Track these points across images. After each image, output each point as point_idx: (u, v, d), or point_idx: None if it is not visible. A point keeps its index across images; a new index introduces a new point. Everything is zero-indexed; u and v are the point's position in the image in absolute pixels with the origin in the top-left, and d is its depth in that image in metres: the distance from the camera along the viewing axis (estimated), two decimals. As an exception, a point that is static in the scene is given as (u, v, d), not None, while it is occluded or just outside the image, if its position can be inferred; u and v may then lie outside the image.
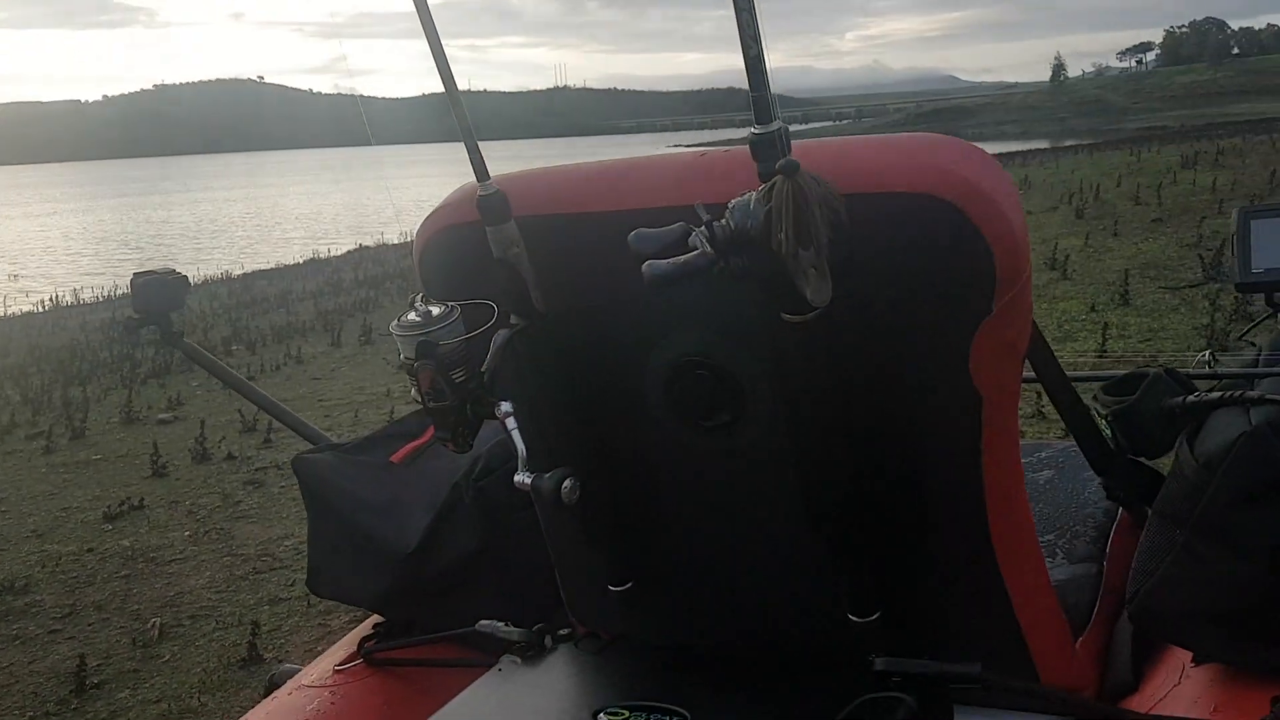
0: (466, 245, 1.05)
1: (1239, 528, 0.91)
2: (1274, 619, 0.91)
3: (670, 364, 1.02)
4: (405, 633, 1.32)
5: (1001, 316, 0.85)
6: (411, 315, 0.99)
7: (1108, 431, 1.15)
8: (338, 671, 1.30)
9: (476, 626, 1.17)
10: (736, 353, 0.98)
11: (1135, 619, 1.01)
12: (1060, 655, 1.02)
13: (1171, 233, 10.71)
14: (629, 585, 1.14)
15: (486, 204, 0.99)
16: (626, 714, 0.98)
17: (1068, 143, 39.29)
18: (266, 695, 1.35)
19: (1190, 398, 1.04)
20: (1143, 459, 1.15)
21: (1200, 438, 0.99)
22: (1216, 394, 1.01)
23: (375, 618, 1.40)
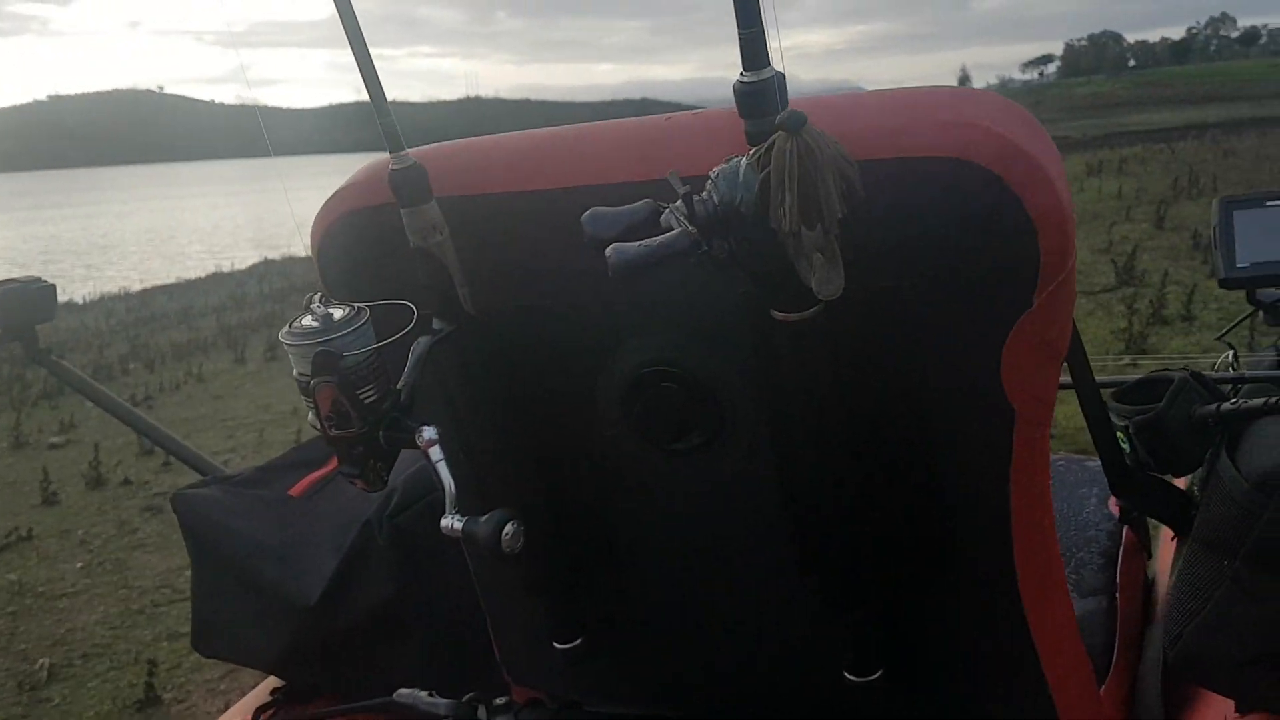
0: (376, 233, 0.86)
1: None
2: None
3: (631, 375, 0.83)
4: (307, 700, 1.11)
5: (1043, 311, 0.69)
6: (307, 320, 0.78)
7: (1125, 444, 1.01)
8: None
9: (394, 696, 0.97)
10: (712, 360, 0.81)
11: (1179, 665, 0.87)
12: (1088, 708, 0.88)
13: (1083, 238, 10.89)
14: (578, 642, 0.95)
15: (401, 180, 0.79)
16: None
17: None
18: None
19: (1225, 405, 0.90)
20: (1166, 475, 1.02)
21: (1244, 452, 0.85)
22: (1260, 400, 0.87)
23: (273, 680, 1.19)
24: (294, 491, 1.21)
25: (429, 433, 0.78)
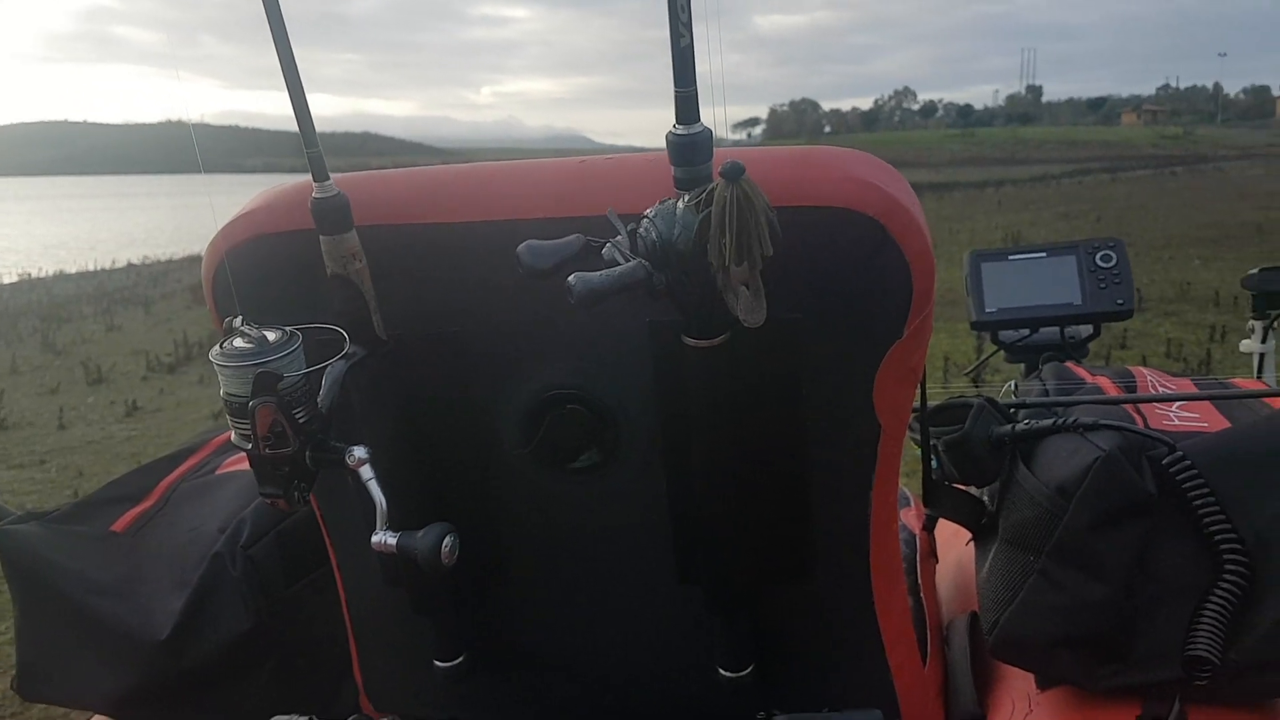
0: (281, 259, 0.86)
1: (1095, 551, 0.93)
2: (1128, 640, 0.94)
3: (535, 398, 0.89)
4: None
5: (911, 340, 0.82)
6: (238, 342, 0.78)
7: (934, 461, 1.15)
8: None
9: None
10: (613, 383, 0.87)
11: (998, 648, 1.01)
12: (919, 692, 1.00)
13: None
14: (460, 660, 0.98)
15: (325, 208, 0.80)
16: None
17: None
18: None
19: (1020, 426, 1.06)
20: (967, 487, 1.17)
21: (1040, 464, 1.01)
22: (1049, 421, 1.04)
23: None
24: (117, 528, 1.15)
25: (360, 452, 0.80)
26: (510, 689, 1.03)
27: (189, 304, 14.38)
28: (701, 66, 0.71)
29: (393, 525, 0.81)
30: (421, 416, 0.90)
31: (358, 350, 0.83)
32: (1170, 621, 0.93)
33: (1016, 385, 1.45)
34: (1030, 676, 1.05)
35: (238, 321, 0.79)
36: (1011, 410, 1.13)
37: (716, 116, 0.74)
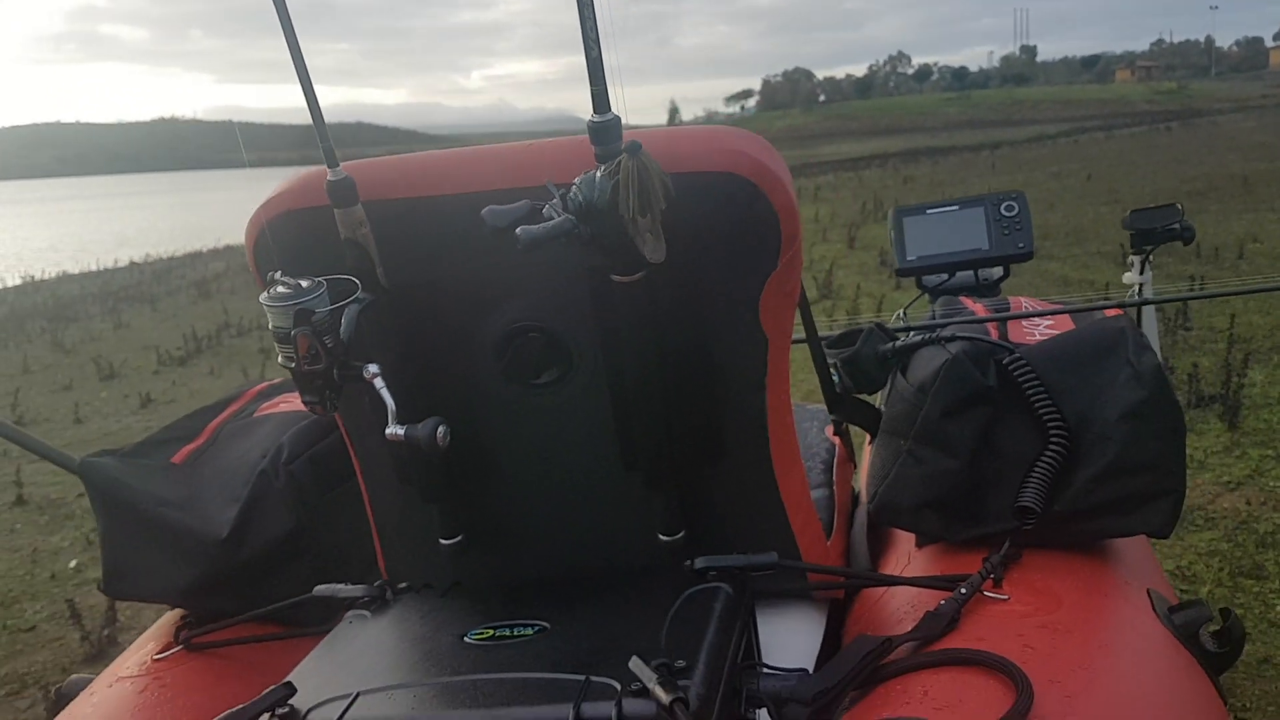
0: (305, 228, 1.13)
1: (947, 433, 1.19)
2: (974, 502, 1.20)
3: (504, 329, 1.15)
4: (214, 621, 1.33)
5: (784, 270, 1.08)
6: (280, 289, 1.04)
7: (835, 376, 1.42)
8: (157, 661, 1.28)
9: (314, 591, 1.22)
10: (564, 316, 1.14)
11: (876, 513, 1.27)
12: (820, 553, 1.27)
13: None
14: (459, 538, 1.25)
15: (336, 188, 1.07)
16: (492, 631, 1.09)
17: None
18: (56, 709, 1.30)
19: (898, 343, 1.33)
20: (863, 395, 1.44)
21: (910, 371, 1.27)
22: (918, 338, 1.30)
23: (166, 621, 1.38)
24: (175, 460, 1.42)
25: (373, 368, 1.07)
26: (498, 559, 1.29)
27: (194, 299, 14.67)
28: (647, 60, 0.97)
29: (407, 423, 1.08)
30: (416, 346, 1.16)
31: (367, 296, 1.09)
32: (1009, 487, 1.18)
33: (904, 312, 1.71)
34: (912, 540, 1.31)
35: (277, 274, 1.05)
36: (899, 333, 1.39)
37: (625, 104, 0.99)
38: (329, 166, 1.08)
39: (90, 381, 9.18)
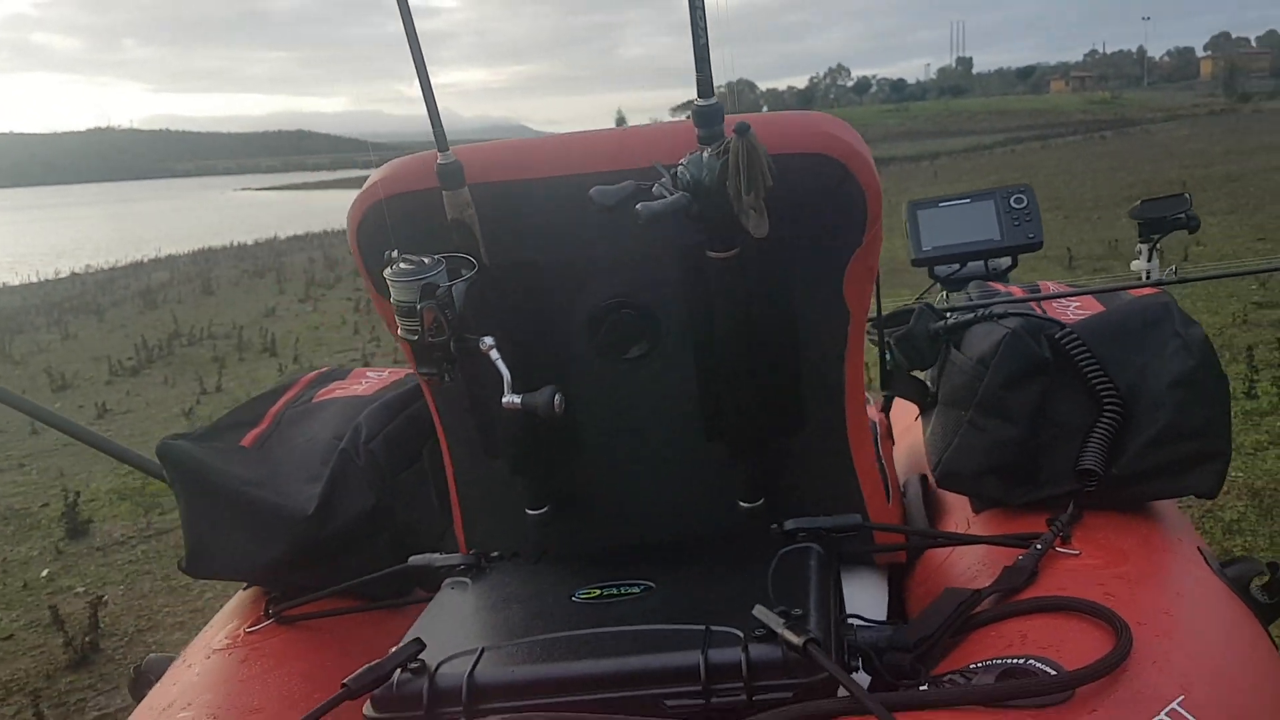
0: (408, 211, 1.17)
1: (1007, 403, 1.26)
2: (1032, 468, 1.27)
3: (597, 306, 1.20)
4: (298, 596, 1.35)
5: (868, 247, 1.14)
6: (404, 265, 1.08)
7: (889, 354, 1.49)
8: (249, 633, 1.30)
9: (409, 562, 1.26)
10: (654, 293, 1.19)
11: (941, 479, 1.34)
12: (885, 513, 1.33)
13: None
14: (545, 509, 1.29)
15: (445, 171, 1.12)
16: (599, 591, 1.13)
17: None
18: (139, 686, 1.32)
19: (950, 320, 1.40)
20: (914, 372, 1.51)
21: (965, 346, 1.34)
22: (970, 315, 1.37)
23: (245, 599, 1.40)
24: (244, 444, 1.44)
25: (489, 340, 1.11)
26: (581, 528, 1.34)
27: (141, 309, 14.43)
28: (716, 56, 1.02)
29: (494, 404, 1.13)
30: (513, 323, 1.21)
31: (469, 274, 1.14)
32: (1066, 453, 1.25)
33: (948, 295, 1.79)
34: (965, 508, 1.38)
35: (393, 253, 1.09)
36: (945, 312, 1.46)
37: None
38: (439, 150, 1.12)
39: (44, 392, 9.01)
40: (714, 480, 1.27)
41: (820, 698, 0.92)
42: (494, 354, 1.11)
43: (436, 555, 1.26)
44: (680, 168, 1.04)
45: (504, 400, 1.11)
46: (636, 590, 1.12)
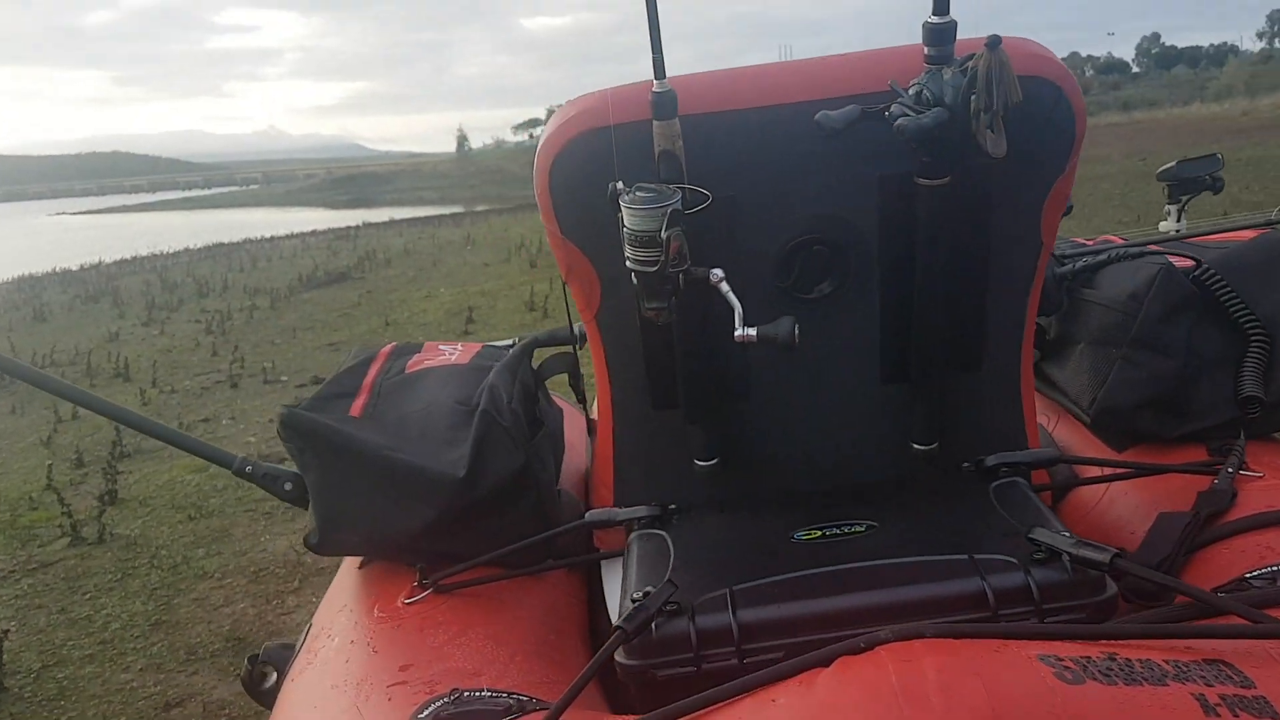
0: (608, 146, 1.10)
1: (1163, 336, 1.29)
2: (1187, 401, 1.29)
3: (790, 242, 1.16)
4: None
5: (1068, 175, 1.14)
6: (639, 193, 1.02)
7: None
8: (409, 605, 1.19)
9: (586, 517, 1.18)
10: (848, 228, 1.15)
11: (1097, 417, 1.35)
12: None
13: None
14: (714, 460, 1.23)
15: (661, 101, 1.06)
16: (820, 532, 1.09)
17: (480, 207, 42.03)
18: (254, 678, 1.20)
19: (1079, 264, 1.42)
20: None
21: (1105, 286, 1.36)
22: (1103, 256, 1.39)
23: (385, 577, 1.28)
24: (353, 413, 1.33)
25: (719, 272, 1.05)
26: (748, 477, 1.29)
27: (-33, 337, 13.37)
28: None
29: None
30: (706, 259, 1.15)
31: (705, 204, 1.09)
32: (1215, 385, 1.29)
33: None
34: (1103, 450, 1.39)
35: (619, 184, 1.03)
36: (1063, 259, 1.48)
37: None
38: (656, 79, 1.06)
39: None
40: (887, 423, 1.24)
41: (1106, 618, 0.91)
42: (724, 286, 1.06)
43: (616, 510, 1.20)
44: (917, 87, 1.01)
45: (735, 334, 1.05)
46: (860, 529, 1.09)
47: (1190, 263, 1.36)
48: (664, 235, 1.01)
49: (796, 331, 1.05)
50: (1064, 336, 1.43)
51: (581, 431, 1.68)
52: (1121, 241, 1.54)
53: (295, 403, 1.32)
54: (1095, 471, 1.32)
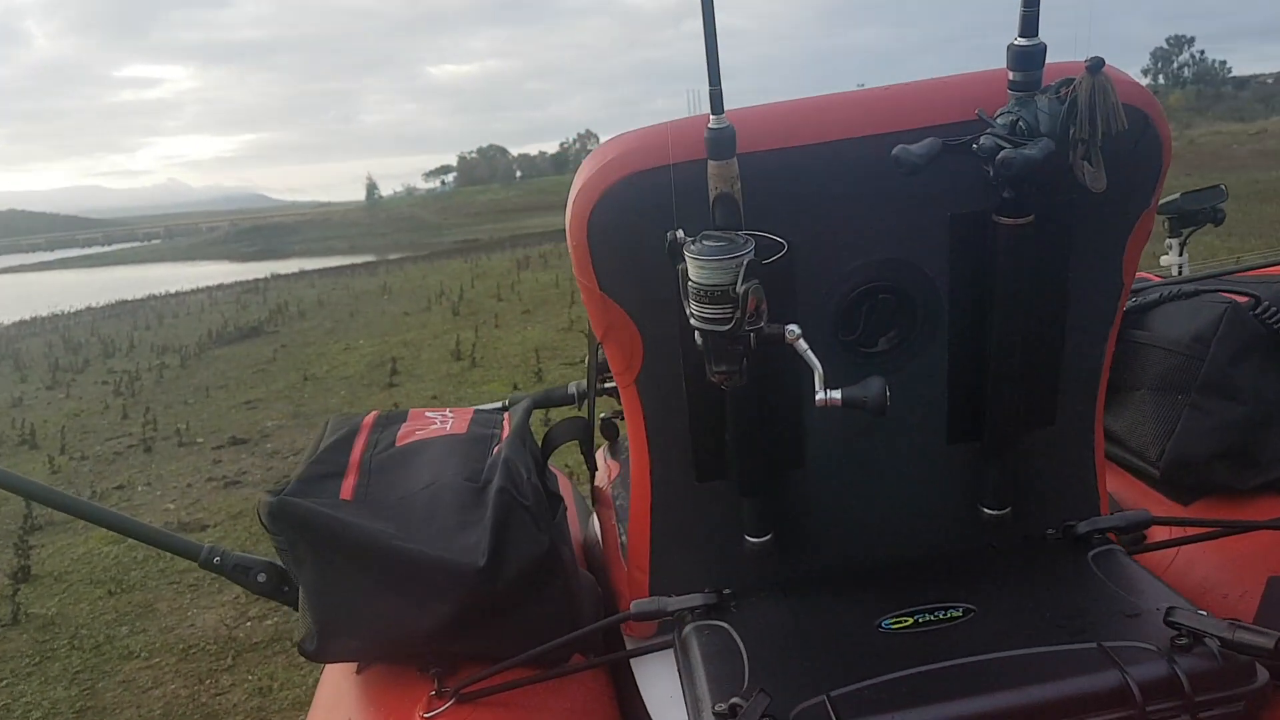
0: (655, 191, 0.97)
1: (1233, 381, 1.19)
2: (1257, 450, 1.20)
3: (852, 291, 1.03)
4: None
5: (1152, 210, 1.04)
6: (707, 243, 0.88)
7: None
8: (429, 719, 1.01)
9: (633, 608, 1.03)
10: (914, 273, 1.03)
11: (1168, 469, 1.25)
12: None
13: (544, 320, 12.05)
14: (768, 536, 1.09)
15: (718, 138, 0.92)
16: (911, 619, 0.96)
17: (393, 256, 41.51)
18: None
19: (1130, 302, 1.32)
20: None
21: (1161, 327, 1.27)
22: (1156, 294, 1.30)
23: (395, 684, 1.10)
24: (345, 496, 1.15)
25: (795, 329, 0.91)
26: (809, 555, 1.15)
27: None
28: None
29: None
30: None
31: (781, 253, 0.96)
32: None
33: None
34: (1167, 504, 1.29)
35: (679, 233, 0.89)
36: None
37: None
38: (714, 113, 0.93)
39: None
40: (951, 491, 1.12)
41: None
42: (801, 344, 0.93)
43: (667, 599, 1.05)
44: (1011, 115, 0.90)
45: (817, 397, 0.92)
46: (957, 614, 0.96)
47: (1245, 299, 1.28)
48: (739, 290, 0.89)
49: (888, 394, 0.93)
50: (1117, 383, 1.33)
51: (576, 503, 1.53)
52: (1158, 280, 1.46)
53: (276, 486, 1.14)
54: (1165, 531, 1.22)
